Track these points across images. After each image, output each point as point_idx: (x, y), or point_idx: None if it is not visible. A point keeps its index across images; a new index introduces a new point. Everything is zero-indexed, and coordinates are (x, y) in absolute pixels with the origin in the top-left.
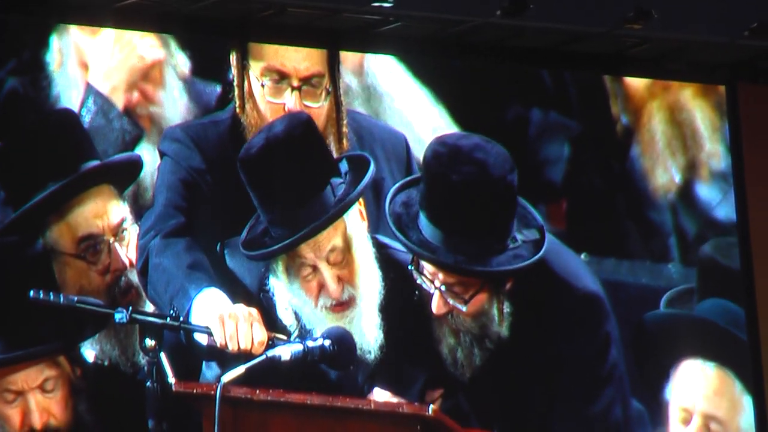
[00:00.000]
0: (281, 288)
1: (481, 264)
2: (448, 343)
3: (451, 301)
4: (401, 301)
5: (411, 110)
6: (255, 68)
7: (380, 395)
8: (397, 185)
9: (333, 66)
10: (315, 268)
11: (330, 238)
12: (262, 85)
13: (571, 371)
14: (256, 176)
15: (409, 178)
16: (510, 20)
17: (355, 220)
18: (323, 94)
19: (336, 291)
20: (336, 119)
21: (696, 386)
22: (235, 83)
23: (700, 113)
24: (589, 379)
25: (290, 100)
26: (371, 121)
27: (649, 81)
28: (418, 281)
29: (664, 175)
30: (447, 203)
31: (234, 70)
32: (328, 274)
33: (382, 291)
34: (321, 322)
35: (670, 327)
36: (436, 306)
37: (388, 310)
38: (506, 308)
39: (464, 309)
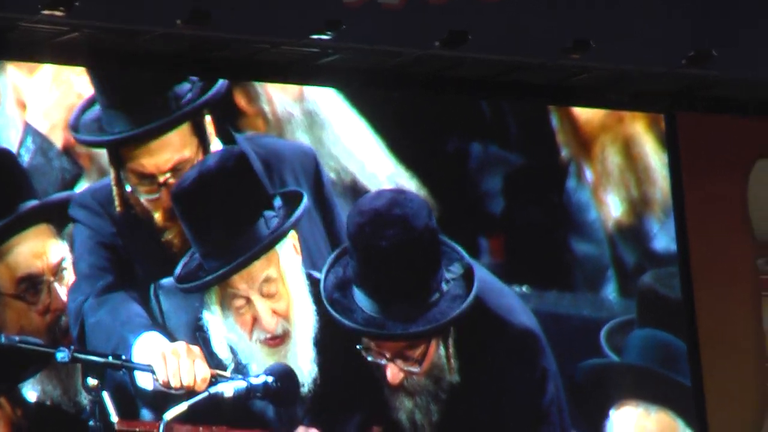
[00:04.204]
0: (216, 322)
1: (429, 321)
2: (406, 408)
3: (405, 367)
4: (336, 336)
5: (352, 138)
6: (123, 173)
7: None
8: (324, 268)
9: (201, 136)
10: (248, 300)
11: (263, 269)
12: (132, 190)
13: (512, 407)
14: (189, 209)
15: (334, 255)
16: (449, 51)
17: (289, 253)
18: None
19: (270, 324)
20: None
21: (639, 427)
22: (113, 183)
23: (648, 146)
24: (529, 416)
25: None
26: (279, 142)
27: (599, 113)
28: (369, 359)
29: (605, 206)
30: (382, 273)
31: (112, 173)
32: (261, 306)
33: (316, 325)
34: (256, 356)
35: (603, 377)
36: (391, 376)
37: (322, 343)
38: (453, 354)
39: (419, 370)
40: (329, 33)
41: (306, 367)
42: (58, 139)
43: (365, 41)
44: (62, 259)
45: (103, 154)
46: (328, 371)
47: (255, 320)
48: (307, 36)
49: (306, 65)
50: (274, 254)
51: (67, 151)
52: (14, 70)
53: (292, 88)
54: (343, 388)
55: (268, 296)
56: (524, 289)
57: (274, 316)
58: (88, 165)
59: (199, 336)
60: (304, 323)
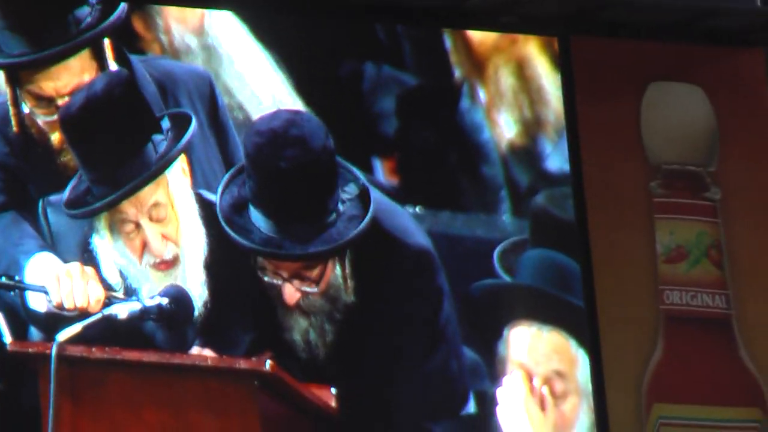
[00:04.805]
0: (105, 246)
1: (326, 241)
2: (300, 328)
3: (302, 287)
4: (226, 258)
5: (251, 72)
6: (21, 94)
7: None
8: (219, 188)
9: (101, 61)
10: (137, 225)
11: (151, 194)
12: (30, 112)
13: (408, 328)
14: (76, 135)
15: (228, 175)
16: None
17: (178, 177)
18: None
19: (159, 249)
20: None
21: (532, 348)
22: (9, 104)
23: (541, 67)
24: (425, 336)
25: None
26: (175, 65)
27: (494, 34)
28: (266, 279)
29: (498, 127)
30: (280, 193)
31: (8, 93)
32: (150, 231)
33: (206, 248)
34: (147, 281)
35: (496, 297)
36: (288, 296)
37: (213, 267)
38: (350, 275)
39: (316, 290)
40: None
41: (197, 291)
42: None
43: None
44: None
45: None
46: (220, 294)
47: (144, 245)
48: None
49: None
50: (163, 178)
51: None
52: None
53: (191, 20)
54: (235, 310)
55: (157, 221)
56: (418, 209)
57: (164, 240)
58: None
59: (87, 258)
60: (194, 247)
